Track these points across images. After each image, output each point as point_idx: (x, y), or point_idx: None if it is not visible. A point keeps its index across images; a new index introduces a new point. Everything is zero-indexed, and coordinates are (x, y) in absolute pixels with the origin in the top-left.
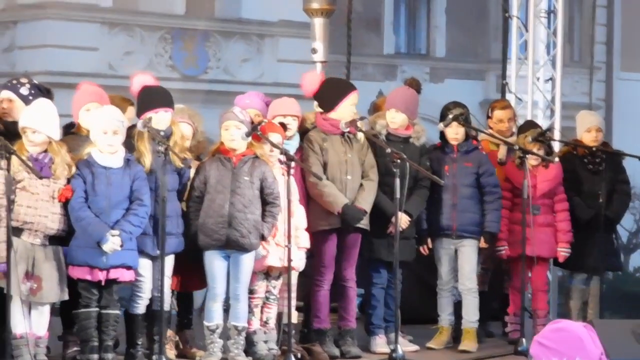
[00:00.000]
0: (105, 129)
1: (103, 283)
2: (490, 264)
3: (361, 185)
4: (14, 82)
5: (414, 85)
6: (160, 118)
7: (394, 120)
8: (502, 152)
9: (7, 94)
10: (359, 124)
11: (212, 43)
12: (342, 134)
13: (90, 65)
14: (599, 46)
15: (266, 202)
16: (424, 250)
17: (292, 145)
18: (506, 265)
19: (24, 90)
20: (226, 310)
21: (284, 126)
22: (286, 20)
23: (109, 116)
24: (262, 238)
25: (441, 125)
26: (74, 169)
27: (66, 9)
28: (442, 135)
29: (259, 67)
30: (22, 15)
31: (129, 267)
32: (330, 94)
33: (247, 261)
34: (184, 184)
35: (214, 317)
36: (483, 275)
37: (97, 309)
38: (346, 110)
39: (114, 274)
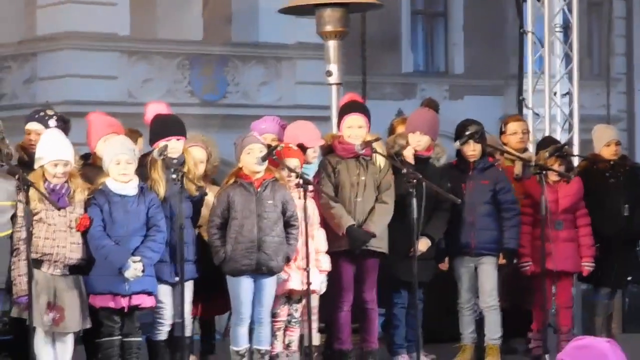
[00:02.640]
0: (118, 159)
1: (126, 310)
2: (512, 280)
3: (373, 207)
4: (42, 114)
5: (432, 105)
6: (172, 146)
7: (420, 143)
8: (517, 167)
9: (36, 126)
10: (374, 145)
11: (230, 68)
12: (357, 157)
13: (110, 93)
14: (619, 58)
15: (287, 224)
16: (443, 266)
17: (312, 169)
18: (529, 282)
19: (52, 123)
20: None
21: (303, 148)
22: (303, 42)
23: (120, 146)
24: (287, 260)
25: (457, 143)
26: (86, 194)
27: (84, 39)
28: (459, 153)
29: (277, 90)
30: (41, 46)
31: (149, 293)
32: None
33: (271, 285)
34: (198, 210)
35: (242, 341)
36: (505, 292)
37: (119, 337)
38: (345, 133)
39: (136, 300)
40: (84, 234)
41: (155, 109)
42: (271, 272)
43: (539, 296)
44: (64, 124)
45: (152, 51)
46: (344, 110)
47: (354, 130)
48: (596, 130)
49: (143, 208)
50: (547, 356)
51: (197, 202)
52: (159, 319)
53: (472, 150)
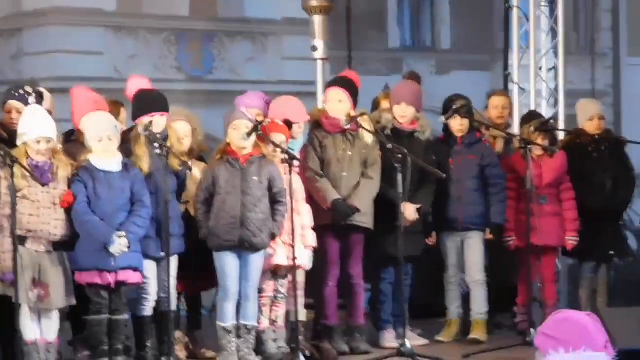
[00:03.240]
0: (100, 136)
1: (113, 285)
2: (497, 255)
3: (358, 183)
4: (21, 92)
5: (414, 78)
6: (156, 122)
7: (406, 114)
8: (499, 145)
9: (16, 104)
10: (360, 120)
11: (216, 43)
12: (344, 132)
13: (96, 69)
14: (605, 32)
15: (274, 200)
16: (430, 241)
17: (298, 144)
18: (514, 257)
19: (32, 100)
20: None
21: (289, 124)
22: (289, 17)
23: (103, 122)
24: (273, 237)
25: (442, 118)
26: (69, 171)
27: (70, 14)
28: (446, 127)
29: (264, 66)
30: (26, 22)
31: (135, 269)
32: None
33: (257, 260)
34: (182, 185)
35: (229, 317)
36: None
37: (107, 315)
38: (327, 108)
39: (122, 276)
40: (68, 210)
41: (137, 83)
42: (255, 249)
43: (524, 271)
44: (40, 99)
45: (138, 26)
46: (327, 85)
47: (334, 104)
48: (579, 104)
49: (127, 184)
50: (532, 330)
51: (182, 178)
52: (144, 294)
53: (460, 125)
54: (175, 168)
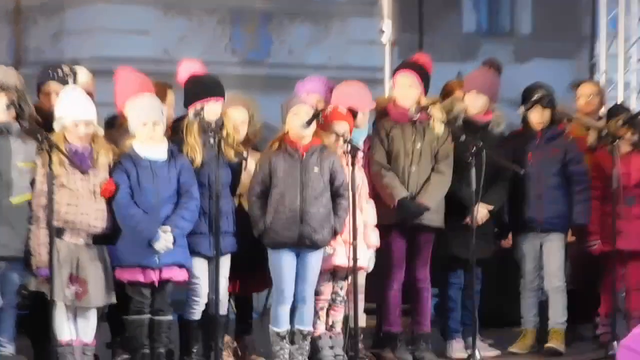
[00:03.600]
0: (145, 121)
1: (156, 284)
2: (579, 259)
3: (428, 178)
4: (61, 72)
5: (494, 65)
6: (210, 108)
7: (475, 104)
8: (592, 136)
9: (56, 86)
10: (432, 109)
11: (275, 24)
12: (414, 122)
13: (144, 50)
14: None
15: (336, 194)
16: (506, 243)
17: (361, 134)
18: (598, 262)
19: (71, 81)
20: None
21: (353, 112)
22: None
23: (148, 106)
24: (334, 233)
25: (522, 108)
26: (111, 158)
27: None
28: (525, 120)
29: (327, 50)
30: None
31: (181, 266)
32: None
33: (316, 260)
34: (236, 177)
35: (283, 322)
36: (571, 273)
37: (149, 315)
38: (396, 94)
39: (166, 273)
40: (109, 200)
41: (189, 67)
42: (315, 246)
43: (608, 278)
44: (74, 77)
45: (189, 5)
46: (395, 69)
47: (402, 89)
48: None
49: (174, 173)
50: (615, 343)
51: (236, 169)
52: (194, 296)
53: (540, 116)
54: (231, 159)
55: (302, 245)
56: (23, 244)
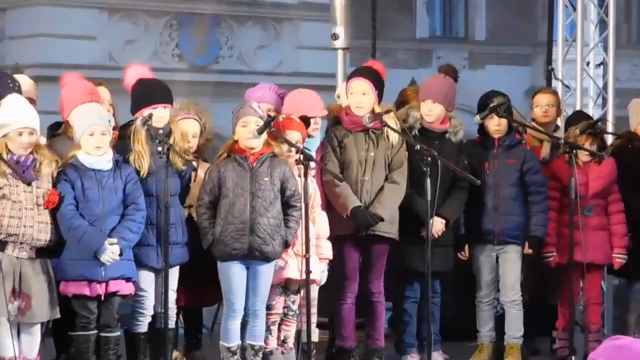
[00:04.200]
0: (92, 130)
1: (103, 297)
2: (536, 272)
3: (382, 187)
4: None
5: (450, 72)
6: (158, 115)
7: (431, 112)
8: (545, 149)
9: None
10: (384, 117)
11: (223, 29)
12: (367, 130)
13: (89, 55)
14: None
15: (287, 205)
16: (462, 255)
17: (314, 144)
18: (554, 274)
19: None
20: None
21: (306, 121)
22: (306, 1)
23: (95, 115)
24: (286, 245)
25: (477, 117)
26: (54, 168)
27: None
28: (482, 128)
29: (277, 55)
30: (11, 1)
31: (128, 279)
32: None
33: (267, 272)
34: (186, 187)
35: (233, 337)
36: (527, 286)
37: (95, 331)
38: (350, 102)
39: (113, 286)
40: (53, 212)
41: (136, 72)
42: (266, 258)
43: (566, 291)
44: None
45: (136, 8)
46: (349, 76)
47: (356, 97)
48: (632, 105)
49: (120, 184)
50: (573, 358)
51: (186, 179)
52: (140, 308)
53: (497, 125)
54: (179, 167)
55: (252, 257)
56: None
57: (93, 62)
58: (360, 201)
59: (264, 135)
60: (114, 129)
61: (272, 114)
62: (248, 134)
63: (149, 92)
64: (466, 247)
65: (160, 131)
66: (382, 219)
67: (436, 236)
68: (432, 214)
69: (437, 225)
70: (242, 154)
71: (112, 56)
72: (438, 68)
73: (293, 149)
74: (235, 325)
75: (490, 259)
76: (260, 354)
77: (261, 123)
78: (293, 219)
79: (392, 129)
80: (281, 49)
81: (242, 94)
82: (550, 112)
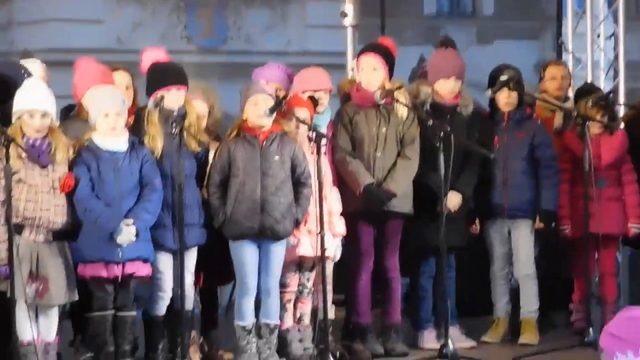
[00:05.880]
0: (107, 111)
1: (120, 279)
2: (550, 246)
3: (394, 163)
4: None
5: (449, 43)
6: (172, 97)
7: (454, 90)
8: (558, 119)
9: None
10: (396, 94)
11: (231, 10)
12: (378, 107)
13: (96, 40)
14: None
15: (297, 183)
16: (473, 229)
17: (324, 120)
18: (569, 247)
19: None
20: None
21: (314, 100)
22: None
23: (110, 97)
24: (296, 223)
25: (489, 91)
26: (71, 153)
27: None
28: (492, 103)
29: (285, 35)
30: None
31: (145, 260)
32: None
33: (279, 251)
34: (203, 168)
35: (248, 315)
36: (543, 260)
37: (112, 311)
38: (360, 78)
39: (130, 268)
40: (69, 195)
41: (152, 55)
42: (277, 237)
43: (581, 263)
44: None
45: None
46: (359, 52)
47: (367, 73)
48: None
49: (136, 165)
50: (590, 330)
51: (202, 160)
52: (158, 291)
53: (507, 98)
54: (193, 149)
55: (264, 236)
56: None
57: (101, 46)
58: (373, 177)
59: (274, 115)
60: (129, 112)
61: (281, 93)
62: (259, 112)
63: (162, 75)
64: (477, 221)
65: (175, 113)
66: (395, 195)
67: (452, 211)
68: (447, 189)
69: (455, 199)
70: (251, 133)
71: (120, 40)
72: (436, 44)
73: (301, 126)
74: (249, 303)
75: (501, 233)
76: (276, 332)
77: (271, 101)
78: (303, 196)
79: (403, 104)
80: (289, 29)
81: (250, 74)
82: (564, 85)
